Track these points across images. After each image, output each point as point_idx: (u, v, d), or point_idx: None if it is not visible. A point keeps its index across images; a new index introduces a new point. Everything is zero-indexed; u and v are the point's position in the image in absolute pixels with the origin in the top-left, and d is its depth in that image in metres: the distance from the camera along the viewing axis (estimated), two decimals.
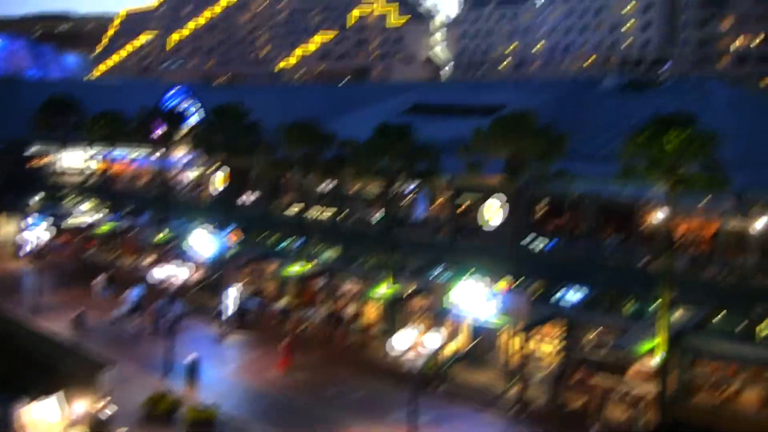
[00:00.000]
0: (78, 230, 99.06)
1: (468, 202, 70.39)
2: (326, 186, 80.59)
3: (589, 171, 59.02)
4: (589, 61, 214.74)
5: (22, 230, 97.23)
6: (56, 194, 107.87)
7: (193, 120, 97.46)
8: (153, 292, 71.99)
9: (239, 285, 76.00)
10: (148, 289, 73.52)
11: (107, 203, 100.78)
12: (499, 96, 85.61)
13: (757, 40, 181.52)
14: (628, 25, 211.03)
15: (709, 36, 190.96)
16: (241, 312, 72.67)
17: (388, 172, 64.03)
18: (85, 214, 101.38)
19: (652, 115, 49.45)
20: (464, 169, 59.12)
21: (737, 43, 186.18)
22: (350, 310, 71.50)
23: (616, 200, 59.29)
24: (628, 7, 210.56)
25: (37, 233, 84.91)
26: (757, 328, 49.63)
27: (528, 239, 64.33)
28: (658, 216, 56.83)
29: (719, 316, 52.12)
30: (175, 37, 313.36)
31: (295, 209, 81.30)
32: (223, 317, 71.15)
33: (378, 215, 76.07)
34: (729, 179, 47.32)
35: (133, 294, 73.45)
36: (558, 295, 58.84)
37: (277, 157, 75.97)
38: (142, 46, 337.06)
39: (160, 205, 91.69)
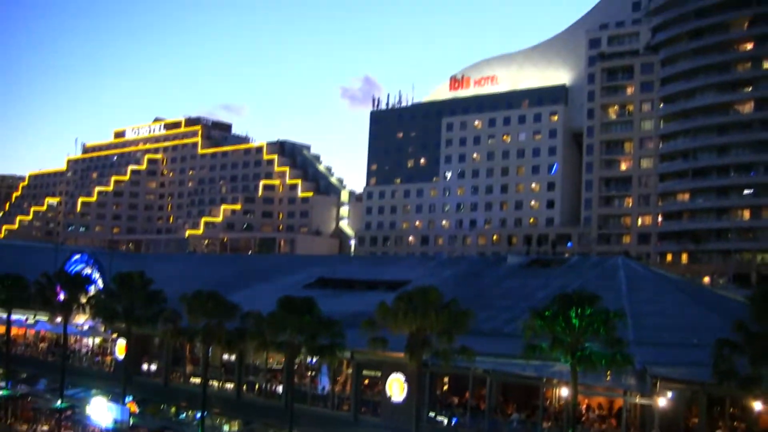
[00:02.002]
0: None
1: (372, 377, 69.98)
2: (229, 357, 79.70)
3: (493, 348, 59.10)
4: (494, 237, 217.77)
5: None
6: None
7: (95, 287, 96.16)
8: None
9: None
10: None
11: (2, 368, 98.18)
12: (403, 271, 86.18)
13: (659, 219, 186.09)
14: (532, 203, 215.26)
15: (611, 214, 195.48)
16: None
17: (291, 345, 63.46)
18: None
19: (555, 292, 49.99)
20: (368, 344, 58.78)
21: (639, 221, 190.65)
22: None
23: (519, 377, 59.26)
24: (533, 186, 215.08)
25: None
26: None
27: (432, 415, 63.87)
28: (562, 392, 56.95)
29: None
30: (82, 201, 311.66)
31: (196, 380, 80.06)
32: None
33: (280, 388, 75.17)
34: (631, 357, 47.71)
35: None
36: None
37: (180, 327, 74.95)
38: (47, 209, 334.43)
39: (58, 372, 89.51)
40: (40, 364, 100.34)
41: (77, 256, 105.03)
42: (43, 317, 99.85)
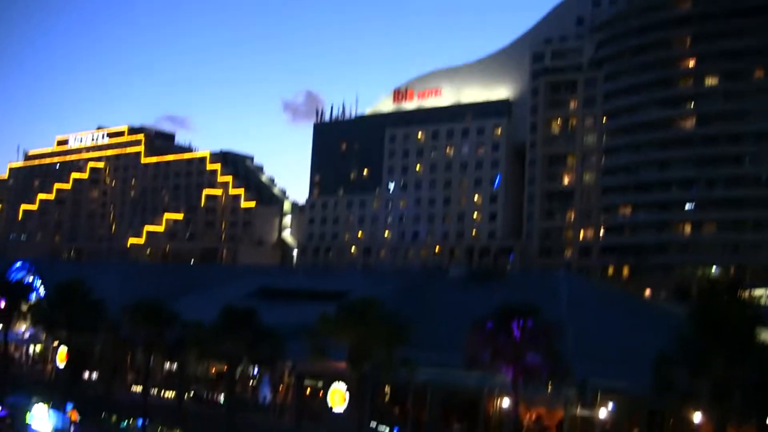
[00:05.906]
0: None
1: (313, 387, 69.89)
2: (169, 366, 79.21)
3: (434, 360, 59.21)
4: (436, 250, 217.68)
5: None
6: None
7: (36, 295, 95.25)
8: None
9: None
10: None
11: None
12: (345, 282, 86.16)
13: (601, 233, 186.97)
14: (474, 216, 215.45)
15: (553, 228, 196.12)
16: None
17: (232, 355, 63.26)
18: None
19: (497, 305, 50.19)
20: (309, 354, 58.73)
21: (581, 235, 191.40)
22: None
23: (460, 388, 59.43)
24: (475, 199, 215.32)
25: None
26: None
27: (373, 425, 63.87)
28: (503, 405, 57.19)
29: None
30: (23, 209, 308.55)
31: (137, 389, 79.46)
32: None
33: (222, 397, 74.81)
34: (571, 369, 48.01)
35: None
36: None
37: (120, 336, 74.43)
38: None
39: None
40: None
41: (18, 264, 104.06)
42: None
